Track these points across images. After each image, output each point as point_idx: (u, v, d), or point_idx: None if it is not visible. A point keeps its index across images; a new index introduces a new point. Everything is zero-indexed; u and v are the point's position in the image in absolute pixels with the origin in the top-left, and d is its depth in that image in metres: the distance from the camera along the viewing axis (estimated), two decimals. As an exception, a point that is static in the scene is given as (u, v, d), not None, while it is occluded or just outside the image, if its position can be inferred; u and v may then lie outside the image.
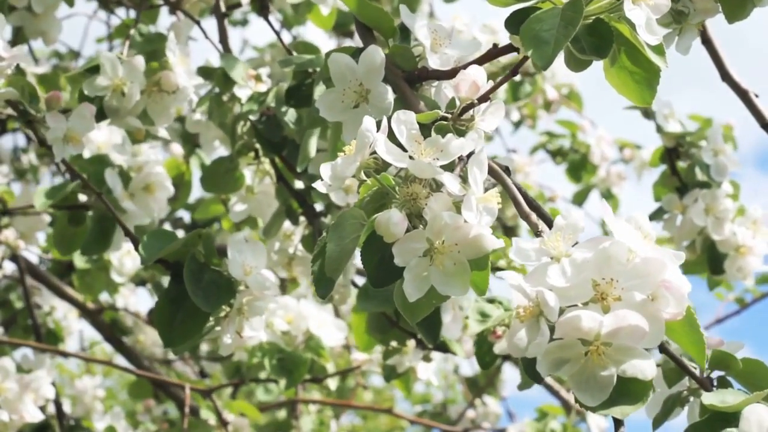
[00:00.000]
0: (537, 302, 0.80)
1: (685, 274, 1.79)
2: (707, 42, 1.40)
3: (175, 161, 2.11)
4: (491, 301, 1.49)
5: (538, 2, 0.95)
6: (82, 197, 1.55)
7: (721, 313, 2.85)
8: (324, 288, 0.90)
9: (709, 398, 0.86)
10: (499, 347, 1.46)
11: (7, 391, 1.66)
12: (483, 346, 1.48)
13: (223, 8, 1.67)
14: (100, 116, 1.41)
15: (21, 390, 1.67)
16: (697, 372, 0.92)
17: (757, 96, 1.40)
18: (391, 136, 0.87)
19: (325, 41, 2.98)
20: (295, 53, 1.50)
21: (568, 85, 2.72)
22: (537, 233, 0.86)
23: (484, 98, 0.96)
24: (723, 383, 0.92)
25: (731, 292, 2.83)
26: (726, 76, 1.41)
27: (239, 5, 1.83)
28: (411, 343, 1.66)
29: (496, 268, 1.52)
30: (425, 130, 0.90)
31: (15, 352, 2.33)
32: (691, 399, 0.97)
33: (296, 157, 1.46)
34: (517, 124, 2.79)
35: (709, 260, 1.78)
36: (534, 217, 0.90)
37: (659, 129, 1.83)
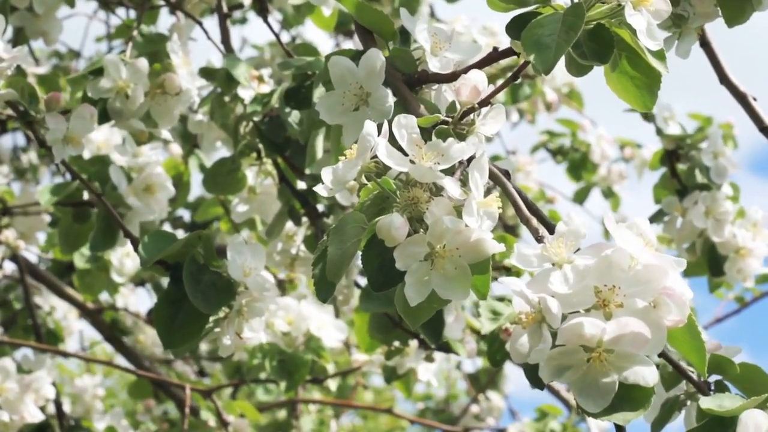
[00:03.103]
0: (539, 309, 0.80)
1: (686, 276, 1.80)
2: (706, 45, 1.40)
3: (173, 161, 2.11)
4: (502, 299, 1.49)
5: (538, 7, 0.95)
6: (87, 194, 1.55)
7: (721, 312, 2.85)
8: (325, 292, 0.90)
9: (707, 403, 0.87)
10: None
11: (7, 391, 1.66)
12: (494, 344, 1.47)
13: (225, 8, 1.67)
14: (104, 118, 1.41)
15: (22, 390, 1.67)
16: (695, 376, 0.93)
17: (755, 99, 1.39)
18: (392, 140, 0.87)
19: (325, 40, 2.98)
20: (294, 54, 1.50)
21: (568, 84, 2.72)
22: (538, 238, 0.86)
23: (485, 102, 0.96)
24: (720, 388, 0.93)
25: (731, 291, 2.82)
26: (724, 79, 1.41)
27: (241, 6, 1.83)
28: (413, 343, 1.66)
29: (503, 267, 1.52)
30: (426, 133, 0.90)
31: (15, 352, 2.33)
32: (689, 403, 0.97)
33: (299, 157, 1.45)
34: (516, 123, 2.79)
35: (710, 262, 1.78)
36: (534, 221, 0.89)
37: (659, 132, 1.83)
